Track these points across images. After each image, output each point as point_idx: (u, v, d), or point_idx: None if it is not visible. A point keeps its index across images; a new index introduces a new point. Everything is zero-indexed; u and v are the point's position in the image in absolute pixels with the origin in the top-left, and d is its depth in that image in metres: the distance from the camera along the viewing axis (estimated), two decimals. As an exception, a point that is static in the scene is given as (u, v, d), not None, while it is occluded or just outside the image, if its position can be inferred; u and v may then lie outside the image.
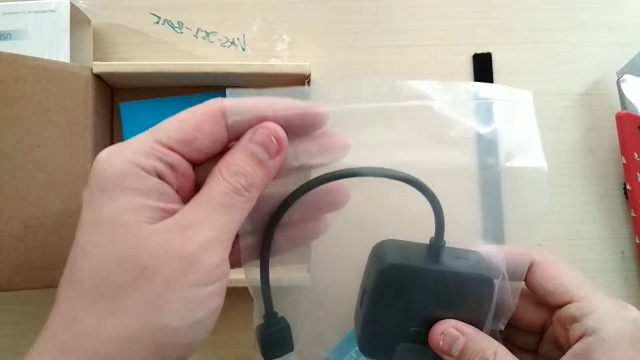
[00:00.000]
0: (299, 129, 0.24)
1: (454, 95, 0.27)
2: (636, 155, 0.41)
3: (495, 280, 0.27)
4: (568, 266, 0.29)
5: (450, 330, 0.27)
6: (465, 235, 0.30)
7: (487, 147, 0.28)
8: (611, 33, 0.45)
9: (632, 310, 0.27)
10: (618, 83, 0.42)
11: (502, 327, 0.29)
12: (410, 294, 0.27)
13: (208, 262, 0.22)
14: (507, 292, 0.28)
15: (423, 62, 0.44)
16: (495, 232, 0.31)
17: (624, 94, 0.41)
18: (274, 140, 0.24)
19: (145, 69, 0.39)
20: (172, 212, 0.22)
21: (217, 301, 0.23)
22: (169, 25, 0.44)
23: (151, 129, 0.23)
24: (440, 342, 0.27)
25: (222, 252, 0.23)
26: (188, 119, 0.23)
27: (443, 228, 0.27)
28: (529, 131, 0.28)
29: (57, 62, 0.37)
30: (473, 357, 0.26)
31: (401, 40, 0.45)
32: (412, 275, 0.27)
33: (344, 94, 0.26)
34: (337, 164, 0.26)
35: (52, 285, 0.34)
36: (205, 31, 0.44)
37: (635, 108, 0.41)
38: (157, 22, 0.44)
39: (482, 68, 0.44)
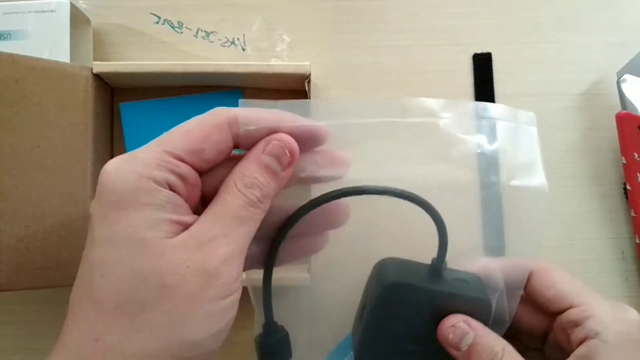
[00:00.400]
0: (301, 143, 0.25)
1: (459, 113, 0.27)
2: (636, 155, 0.41)
3: (492, 301, 0.28)
4: (564, 272, 0.30)
5: (460, 325, 0.27)
6: (466, 251, 0.30)
7: (489, 165, 0.28)
8: (611, 33, 0.45)
9: (632, 312, 0.28)
10: (618, 83, 0.42)
11: None
12: (410, 312, 0.28)
13: (228, 275, 0.22)
14: (504, 309, 0.29)
15: (423, 62, 0.44)
16: (496, 248, 0.31)
17: (624, 94, 0.41)
18: (287, 153, 0.24)
19: (145, 69, 0.39)
20: (185, 224, 0.22)
21: (234, 310, 0.23)
22: (169, 25, 0.44)
23: (157, 140, 0.23)
24: (450, 335, 0.27)
25: (239, 265, 0.23)
26: (195, 130, 0.23)
27: (446, 250, 0.27)
28: (531, 151, 0.28)
29: (57, 62, 0.37)
30: (482, 352, 0.26)
31: (401, 40, 0.45)
32: (413, 295, 0.27)
33: (352, 110, 0.26)
34: (345, 178, 0.26)
35: (52, 285, 0.34)
36: (205, 31, 0.44)
37: (635, 108, 0.41)
38: (157, 22, 0.44)
39: (482, 68, 0.44)
